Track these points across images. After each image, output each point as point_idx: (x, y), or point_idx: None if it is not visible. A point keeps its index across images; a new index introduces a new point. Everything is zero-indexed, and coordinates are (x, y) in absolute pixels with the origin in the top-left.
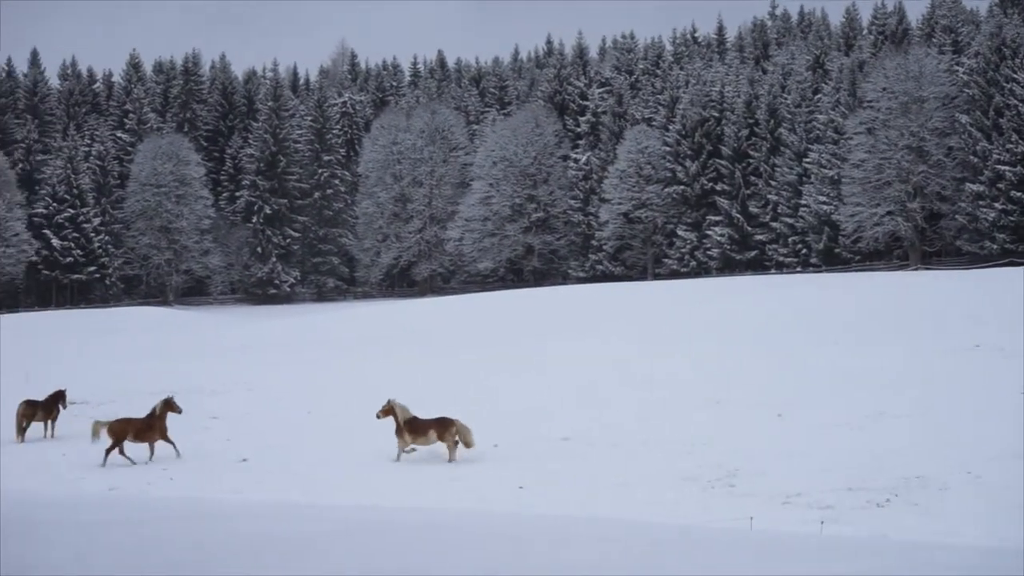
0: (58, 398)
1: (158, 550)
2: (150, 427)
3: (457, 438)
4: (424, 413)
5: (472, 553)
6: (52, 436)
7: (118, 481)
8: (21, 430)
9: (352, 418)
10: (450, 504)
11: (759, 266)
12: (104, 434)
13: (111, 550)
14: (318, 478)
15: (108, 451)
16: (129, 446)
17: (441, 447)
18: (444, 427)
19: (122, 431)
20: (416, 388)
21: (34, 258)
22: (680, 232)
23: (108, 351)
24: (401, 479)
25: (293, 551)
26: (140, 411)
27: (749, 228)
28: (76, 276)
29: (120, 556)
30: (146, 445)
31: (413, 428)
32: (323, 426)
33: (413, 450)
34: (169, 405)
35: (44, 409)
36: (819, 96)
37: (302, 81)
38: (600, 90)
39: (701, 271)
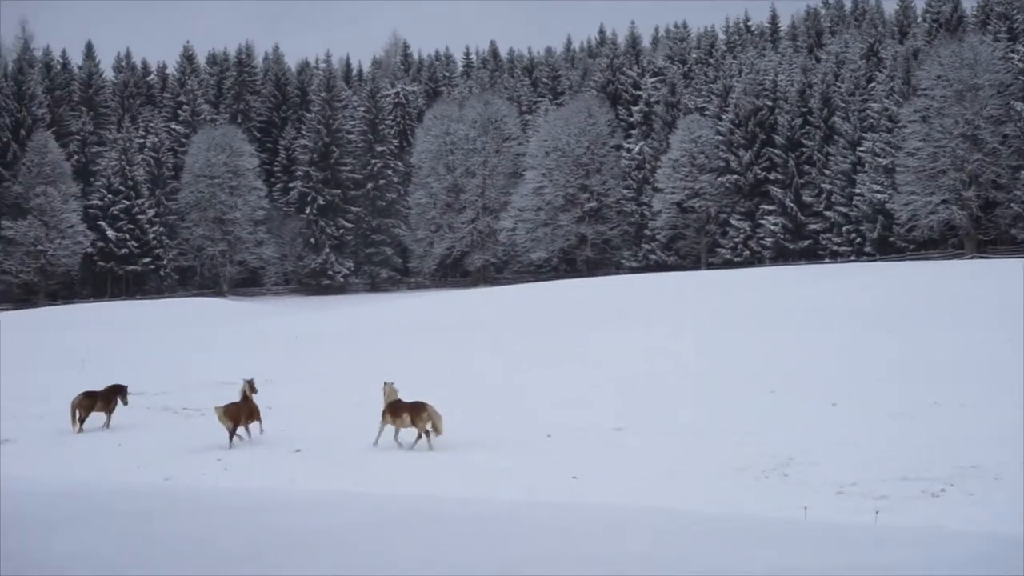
0: (116, 391)
1: (212, 540)
2: (251, 410)
3: (429, 425)
4: (473, 403)
5: (525, 544)
6: (107, 427)
7: (173, 471)
8: (78, 420)
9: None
10: (502, 495)
11: (813, 255)
12: (225, 418)
13: (164, 540)
14: (371, 468)
15: (232, 433)
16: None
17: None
18: (416, 411)
19: (237, 414)
20: (468, 378)
21: (89, 249)
22: (733, 221)
23: (162, 342)
24: (452, 470)
25: (347, 541)
26: (195, 401)
27: (803, 217)
28: (131, 267)
29: (173, 546)
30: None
31: (393, 410)
32: (375, 416)
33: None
34: (252, 387)
35: (103, 400)
36: (873, 84)
37: (355, 72)
38: (653, 80)
39: (754, 260)
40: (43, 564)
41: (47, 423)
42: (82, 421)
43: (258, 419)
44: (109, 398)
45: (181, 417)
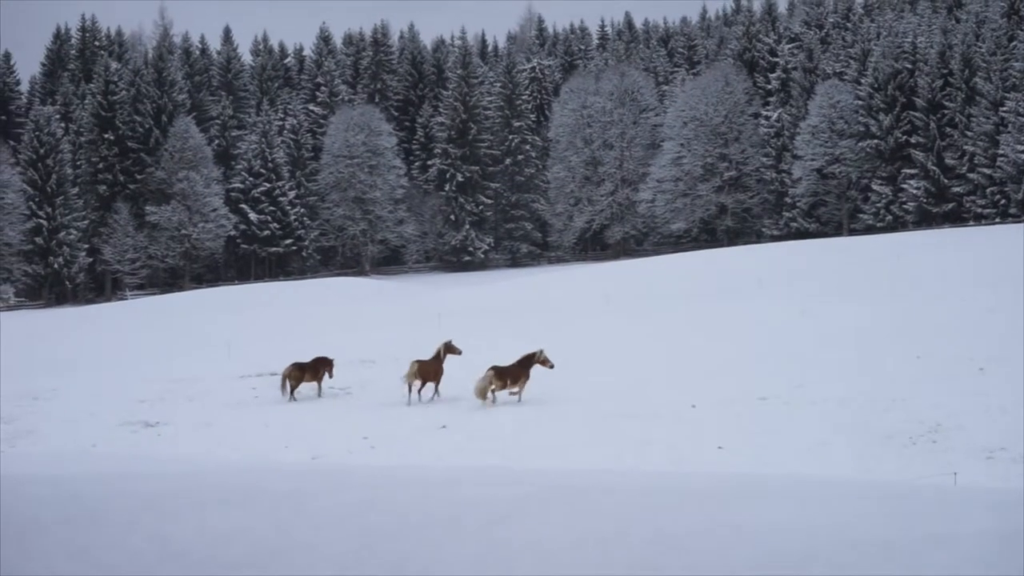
0: (322, 363)
1: (358, 517)
2: (436, 370)
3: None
4: (617, 372)
5: (671, 513)
6: (320, 395)
7: (321, 450)
8: (289, 390)
9: (548, 384)
10: (644, 465)
11: (957, 218)
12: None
13: (310, 517)
14: (516, 443)
15: (419, 391)
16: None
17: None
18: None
19: (427, 372)
20: (610, 349)
21: (232, 232)
22: (875, 187)
23: (307, 321)
24: (598, 443)
25: (494, 516)
26: (338, 380)
27: (946, 180)
28: (274, 249)
29: (320, 522)
30: (431, 385)
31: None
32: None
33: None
34: (449, 348)
35: (311, 371)
36: (1015, 43)
37: (490, 48)
38: (790, 46)
39: (897, 225)
40: (195, 543)
41: (196, 405)
42: (293, 390)
43: (435, 381)
44: (317, 369)
45: (327, 396)
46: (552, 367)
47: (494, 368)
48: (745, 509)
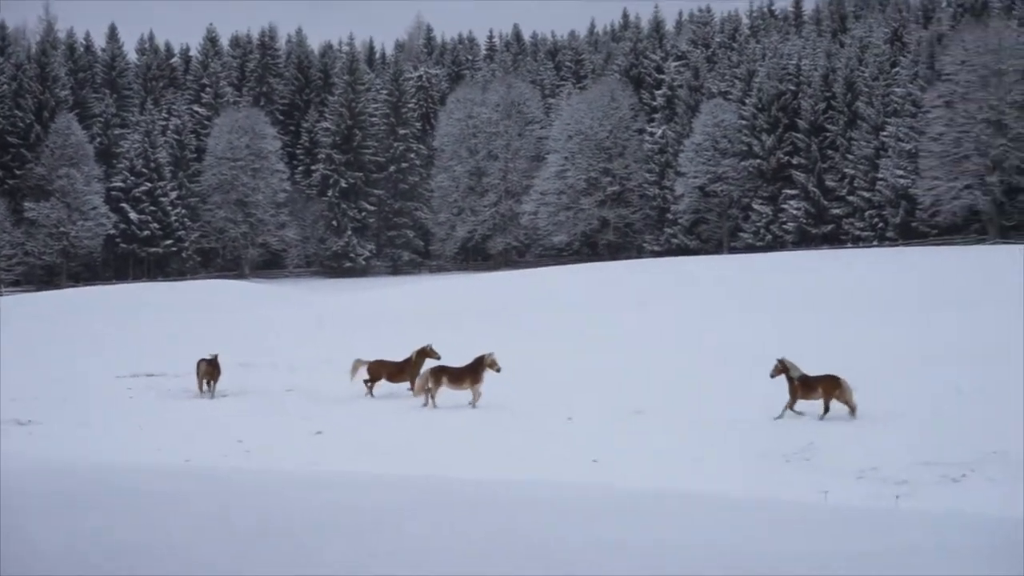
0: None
1: (229, 520)
2: (401, 371)
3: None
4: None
5: (541, 522)
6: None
7: (192, 453)
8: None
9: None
10: (522, 476)
11: (835, 240)
12: (363, 371)
13: (185, 518)
14: (392, 450)
15: (368, 385)
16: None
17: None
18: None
19: (377, 372)
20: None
21: (112, 231)
22: (756, 206)
23: (185, 324)
24: (473, 451)
25: (366, 522)
26: (222, 384)
27: (825, 202)
28: (153, 249)
29: (195, 524)
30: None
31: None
32: (398, 399)
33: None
34: (425, 353)
35: (397, 369)
36: (897, 69)
37: (378, 55)
38: (676, 64)
39: (777, 245)
40: (67, 543)
41: (69, 406)
42: (205, 385)
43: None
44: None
45: (203, 400)
46: (499, 371)
47: (438, 367)
48: (622, 525)
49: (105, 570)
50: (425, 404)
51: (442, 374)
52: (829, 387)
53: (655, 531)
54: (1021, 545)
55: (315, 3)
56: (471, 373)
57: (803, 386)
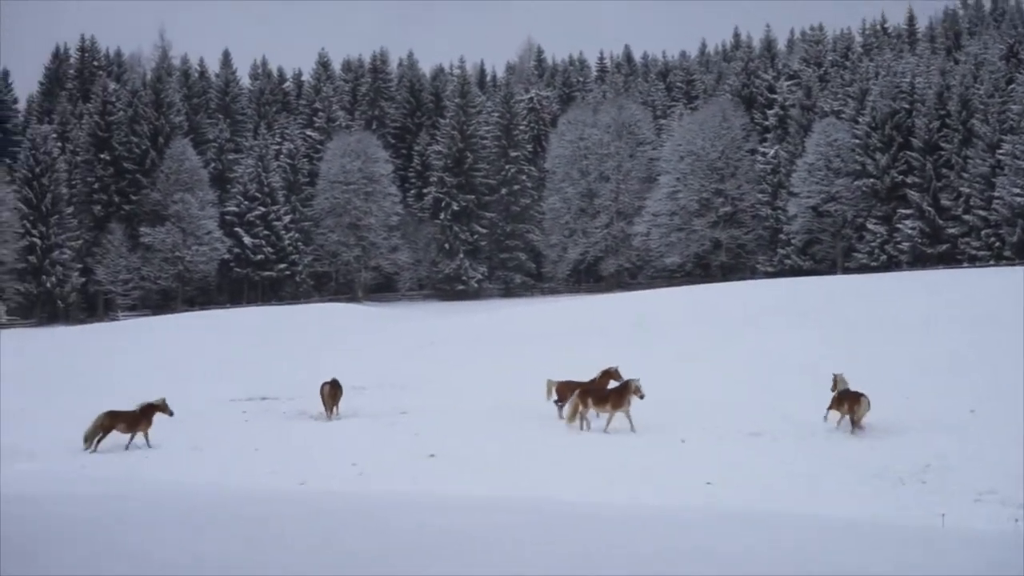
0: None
1: (340, 543)
2: (587, 391)
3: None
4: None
5: (650, 546)
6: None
7: (308, 475)
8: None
9: (539, 413)
10: (638, 499)
11: (951, 260)
12: (554, 391)
13: (299, 540)
14: (506, 473)
15: (559, 405)
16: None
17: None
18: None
19: (564, 392)
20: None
21: (226, 256)
22: (870, 226)
23: (299, 347)
24: (588, 474)
25: (477, 544)
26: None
27: (940, 221)
28: (267, 273)
29: (297, 549)
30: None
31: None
32: (511, 421)
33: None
34: (609, 374)
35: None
36: (1013, 86)
37: (489, 78)
38: (788, 83)
39: (891, 265)
40: (178, 563)
41: (185, 427)
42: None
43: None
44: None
45: (319, 423)
46: (643, 398)
47: (583, 389)
48: (737, 542)
49: None
50: (581, 428)
51: (587, 396)
52: (851, 402)
53: (771, 551)
54: None
55: (427, 25)
56: (618, 396)
57: (838, 399)
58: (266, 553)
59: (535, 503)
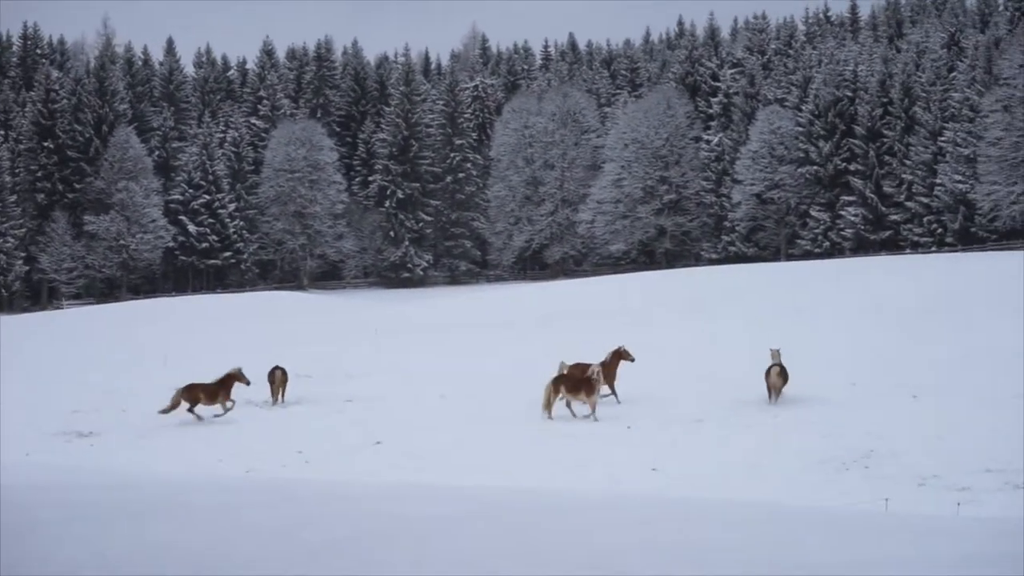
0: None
1: (294, 532)
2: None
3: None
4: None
5: (601, 536)
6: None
7: (254, 464)
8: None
9: (485, 401)
10: (581, 486)
11: (893, 246)
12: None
13: (248, 531)
14: (452, 461)
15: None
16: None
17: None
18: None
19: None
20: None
21: (171, 244)
22: (813, 213)
23: (244, 335)
24: (534, 462)
25: (426, 533)
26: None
27: (883, 208)
28: (212, 261)
29: (256, 536)
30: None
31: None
32: (457, 409)
33: None
34: (619, 354)
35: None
36: (954, 74)
37: (434, 66)
38: (732, 71)
39: (835, 252)
40: (132, 556)
41: (130, 417)
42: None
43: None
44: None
45: (264, 410)
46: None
47: (556, 376)
48: (679, 532)
49: None
50: (551, 416)
51: (560, 384)
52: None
53: (713, 539)
54: None
55: (371, 14)
56: (588, 385)
57: (766, 373)
58: (212, 542)
59: (478, 491)
